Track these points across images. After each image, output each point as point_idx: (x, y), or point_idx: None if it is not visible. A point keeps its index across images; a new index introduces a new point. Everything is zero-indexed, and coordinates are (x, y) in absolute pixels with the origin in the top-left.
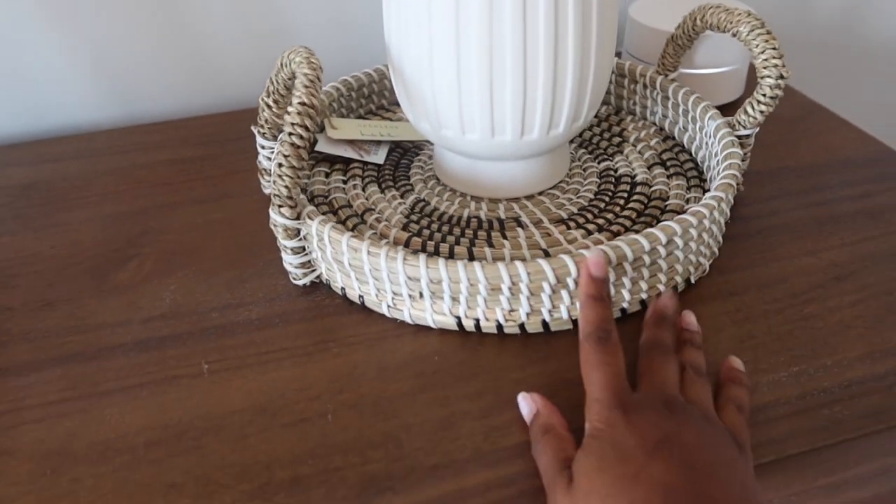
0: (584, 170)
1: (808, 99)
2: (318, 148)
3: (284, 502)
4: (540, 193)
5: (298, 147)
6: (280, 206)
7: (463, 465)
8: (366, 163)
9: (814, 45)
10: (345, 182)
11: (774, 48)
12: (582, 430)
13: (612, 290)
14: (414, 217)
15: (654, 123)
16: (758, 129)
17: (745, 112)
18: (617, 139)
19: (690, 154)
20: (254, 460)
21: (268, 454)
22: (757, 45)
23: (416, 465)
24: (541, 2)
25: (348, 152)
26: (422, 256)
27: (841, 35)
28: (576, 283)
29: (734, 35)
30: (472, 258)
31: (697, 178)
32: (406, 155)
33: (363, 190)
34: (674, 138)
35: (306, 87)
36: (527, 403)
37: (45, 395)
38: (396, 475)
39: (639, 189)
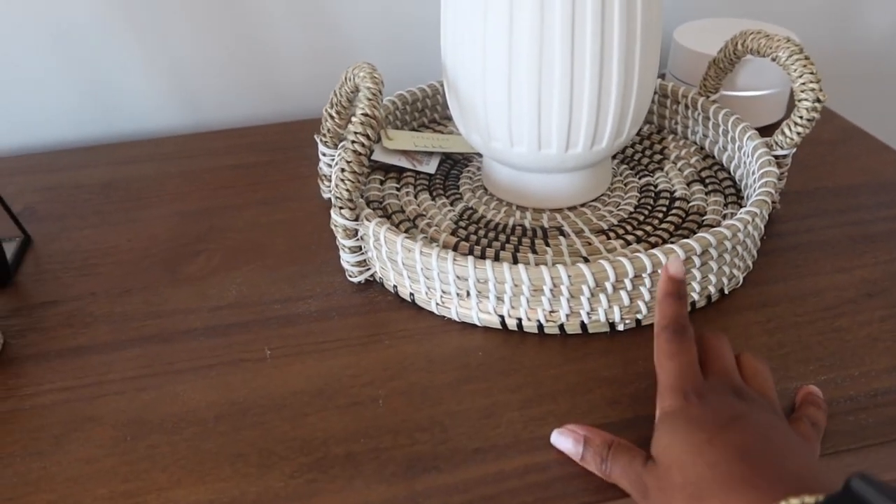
0: (626, 184)
1: (848, 123)
2: (373, 157)
3: (339, 475)
4: (582, 205)
5: (360, 154)
6: (341, 208)
7: (503, 450)
8: (418, 172)
9: (855, 70)
10: (398, 189)
11: (812, 73)
12: (620, 427)
13: (648, 297)
14: (462, 223)
15: (695, 143)
16: (795, 150)
17: (783, 133)
18: (658, 157)
19: (729, 172)
20: (312, 437)
21: (324, 432)
22: (795, 70)
23: (459, 448)
24: (588, 24)
25: (402, 162)
26: (470, 258)
27: (882, 60)
28: (614, 287)
29: (773, 60)
30: (516, 263)
31: (735, 196)
32: (455, 166)
33: (415, 197)
34: (713, 157)
35: (369, 99)
36: (568, 436)
37: (124, 371)
38: (441, 456)
39: (677, 204)
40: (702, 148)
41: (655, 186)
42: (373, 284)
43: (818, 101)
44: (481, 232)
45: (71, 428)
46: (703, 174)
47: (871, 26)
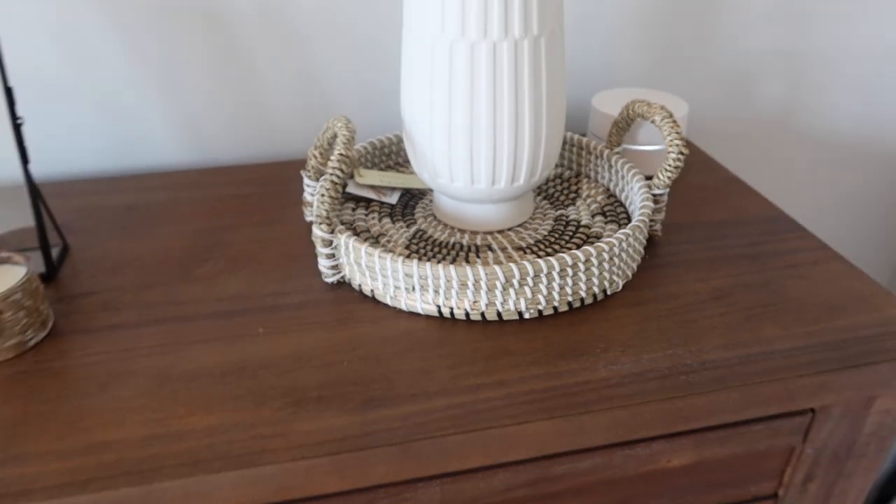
0: (544, 215)
1: (730, 173)
2: (348, 190)
3: (312, 409)
4: (509, 229)
5: (336, 183)
6: (320, 224)
7: (432, 395)
8: (382, 203)
9: (746, 130)
10: (366, 215)
11: (677, 132)
12: (516, 383)
13: (545, 292)
14: (415, 241)
15: (603, 185)
16: (668, 189)
17: (658, 177)
18: (573, 195)
19: (625, 207)
20: (293, 386)
21: (303, 383)
22: (665, 130)
23: (401, 394)
24: (505, 94)
25: (370, 194)
26: (414, 259)
27: (764, 121)
28: (519, 283)
29: (652, 122)
30: None
31: (627, 224)
32: (413, 199)
33: (378, 221)
34: (615, 196)
35: (344, 143)
36: None
37: (151, 342)
38: (388, 398)
39: (581, 230)
40: (607, 189)
41: (567, 217)
42: (343, 284)
43: (681, 153)
44: (430, 248)
45: (112, 378)
46: (606, 209)
47: (759, 95)
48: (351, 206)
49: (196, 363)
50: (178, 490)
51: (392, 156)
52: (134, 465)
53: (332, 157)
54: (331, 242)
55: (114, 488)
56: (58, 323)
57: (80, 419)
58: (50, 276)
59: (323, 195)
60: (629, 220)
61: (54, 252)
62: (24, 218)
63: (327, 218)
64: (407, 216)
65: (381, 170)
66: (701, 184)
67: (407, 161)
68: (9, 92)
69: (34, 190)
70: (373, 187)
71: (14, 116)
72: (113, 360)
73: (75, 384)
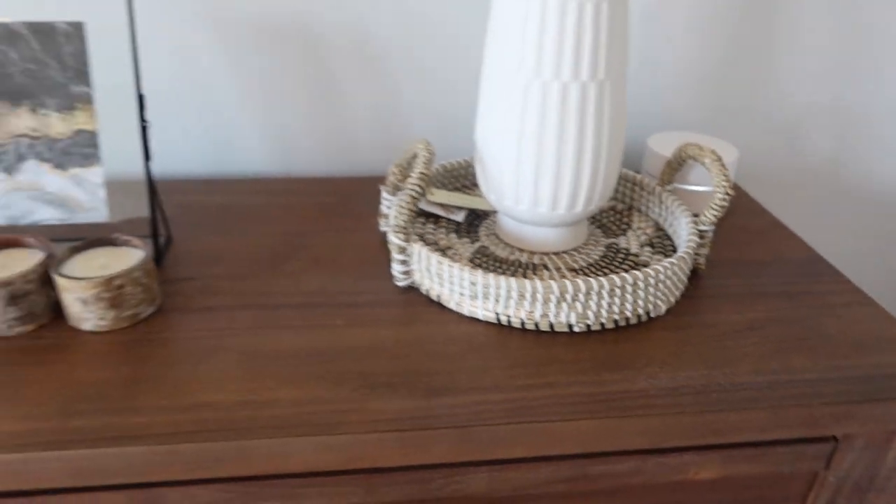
0: (597, 242)
1: (773, 217)
2: (420, 206)
3: (383, 393)
4: (564, 252)
5: (414, 198)
6: (397, 233)
7: (488, 389)
8: (450, 220)
9: (795, 180)
10: (434, 230)
11: (725, 175)
12: (567, 385)
13: (595, 308)
14: (478, 256)
15: (653, 219)
16: (714, 227)
17: (705, 214)
18: (624, 226)
19: (672, 240)
20: (367, 371)
21: (375, 370)
22: (714, 172)
23: (461, 386)
24: (571, 128)
25: (439, 211)
26: (479, 269)
27: (809, 168)
28: (572, 298)
29: (702, 164)
30: None
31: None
32: (478, 219)
33: (446, 235)
34: (663, 229)
35: (424, 163)
36: None
37: (243, 323)
38: (449, 389)
39: (630, 258)
40: (657, 223)
41: (617, 245)
42: (412, 289)
43: (727, 193)
44: (491, 262)
45: (209, 353)
46: (654, 240)
47: (808, 146)
48: (421, 220)
49: (282, 345)
50: (266, 448)
51: (460, 178)
52: (230, 424)
53: (411, 174)
54: (405, 250)
55: (213, 441)
56: (163, 302)
57: (182, 383)
58: (157, 261)
59: (402, 207)
60: (675, 250)
61: (161, 241)
62: (133, 209)
63: (404, 228)
64: (472, 233)
65: (451, 190)
66: (746, 226)
67: (474, 184)
68: (140, 98)
69: (152, 185)
70: (442, 205)
71: (143, 119)
72: (210, 337)
73: (178, 354)
